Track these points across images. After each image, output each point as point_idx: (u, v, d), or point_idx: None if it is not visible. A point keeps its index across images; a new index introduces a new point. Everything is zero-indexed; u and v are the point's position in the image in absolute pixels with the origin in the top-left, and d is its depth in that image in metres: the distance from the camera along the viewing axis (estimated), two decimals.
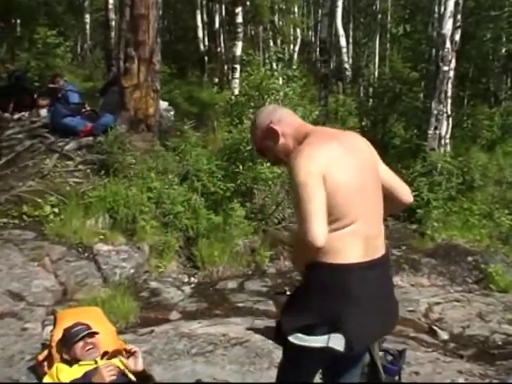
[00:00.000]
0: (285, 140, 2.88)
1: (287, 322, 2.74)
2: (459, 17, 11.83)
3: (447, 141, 11.50)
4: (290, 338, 2.69)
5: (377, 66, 22.92)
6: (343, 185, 2.64)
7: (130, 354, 3.79)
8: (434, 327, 6.25)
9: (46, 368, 4.03)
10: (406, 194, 2.99)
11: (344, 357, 2.71)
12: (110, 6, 17.42)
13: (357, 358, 3.00)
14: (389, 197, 2.87)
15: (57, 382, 3.67)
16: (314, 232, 2.49)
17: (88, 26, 23.26)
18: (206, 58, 22.35)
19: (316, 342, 2.64)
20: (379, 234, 2.81)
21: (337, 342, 2.62)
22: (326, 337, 2.63)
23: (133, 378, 3.72)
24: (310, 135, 2.80)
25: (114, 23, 17.12)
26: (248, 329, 5.54)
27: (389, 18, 24.43)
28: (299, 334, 2.67)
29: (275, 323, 2.95)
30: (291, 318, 2.74)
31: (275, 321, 3.00)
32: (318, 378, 3.08)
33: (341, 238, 2.62)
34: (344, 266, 2.64)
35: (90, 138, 9.51)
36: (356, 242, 2.67)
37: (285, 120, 2.92)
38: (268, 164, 8.54)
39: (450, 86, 11.36)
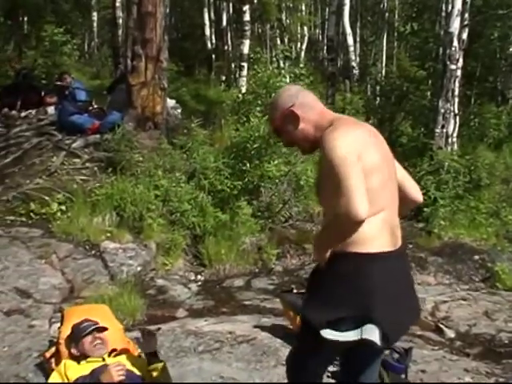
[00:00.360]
0: (305, 125, 2.80)
1: (316, 316, 2.66)
2: (467, 15, 11.80)
3: (454, 139, 11.45)
4: (323, 334, 2.61)
5: (384, 64, 22.88)
6: (375, 169, 2.59)
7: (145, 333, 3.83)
8: (441, 325, 6.24)
9: (53, 365, 4.03)
10: (416, 192, 2.99)
11: (380, 350, 2.69)
12: (118, 4, 17.45)
13: (379, 352, 2.94)
14: (399, 194, 2.83)
15: (64, 378, 3.68)
16: (356, 206, 2.39)
17: (95, 24, 23.33)
18: (214, 56, 22.37)
19: (350, 336, 2.59)
20: (399, 225, 2.79)
21: (369, 332, 2.56)
22: (358, 330, 2.57)
23: (137, 372, 3.72)
24: (335, 122, 2.71)
25: (121, 21, 17.14)
26: (255, 327, 5.54)
27: (396, 16, 24.40)
28: (331, 330, 2.59)
29: (301, 318, 2.91)
30: (319, 311, 2.66)
31: (300, 315, 2.96)
32: (326, 378, 3.08)
33: (372, 225, 2.56)
34: (370, 254, 2.60)
35: (98, 136, 9.51)
36: (384, 231, 2.64)
37: (308, 104, 2.82)
38: (275, 162, 8.55)
39: (457, 84, 11.31)
